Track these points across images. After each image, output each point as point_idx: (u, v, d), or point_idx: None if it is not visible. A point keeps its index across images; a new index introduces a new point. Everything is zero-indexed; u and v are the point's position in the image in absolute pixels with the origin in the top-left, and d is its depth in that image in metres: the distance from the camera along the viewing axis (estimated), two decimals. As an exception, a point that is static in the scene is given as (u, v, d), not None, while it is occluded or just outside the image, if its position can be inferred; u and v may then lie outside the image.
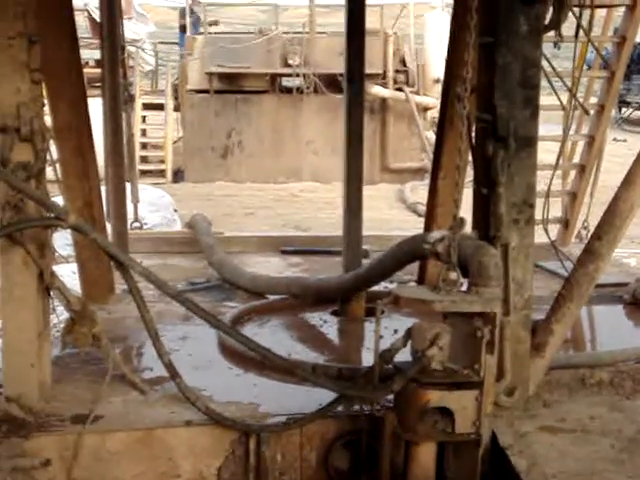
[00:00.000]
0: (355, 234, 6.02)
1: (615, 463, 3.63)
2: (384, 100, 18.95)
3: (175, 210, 12.55)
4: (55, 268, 4.21)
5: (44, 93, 4.49)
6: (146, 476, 4.03)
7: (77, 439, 3.89)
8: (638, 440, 3.84)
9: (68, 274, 5.91)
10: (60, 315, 4.54)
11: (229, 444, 4.10)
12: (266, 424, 4.07)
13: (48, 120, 4.85)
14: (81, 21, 20.08)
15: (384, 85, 18.76)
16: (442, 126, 6.43)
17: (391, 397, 4.11)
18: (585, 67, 8.14)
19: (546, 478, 3.52)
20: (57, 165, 4.94)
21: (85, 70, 7.59)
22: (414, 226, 9.83)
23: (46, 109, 4.69)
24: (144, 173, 17.84)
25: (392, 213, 15.98)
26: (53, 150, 4.54)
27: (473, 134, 4.29)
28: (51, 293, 4.19)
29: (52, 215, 3.88)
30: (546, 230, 5.56)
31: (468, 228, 4.14)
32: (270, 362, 4.12)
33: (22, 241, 3.94)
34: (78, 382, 4.48)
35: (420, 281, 6.68)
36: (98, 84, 9.25)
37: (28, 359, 4.03)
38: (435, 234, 4.13)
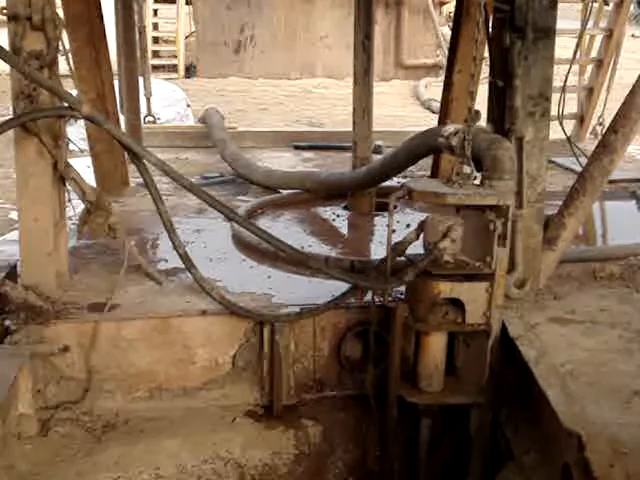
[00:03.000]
0: (364, 130, 5.99)
1: (623, 353, 3.69)
2: (399, -6, 18.59)
3: (188, 105, 12.47)
4: (70, 161, 4.21)
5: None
6: (162, 363, 4.12)
7: (94, 327, 3.97)
8: (647, 332, 3.90)
9: (83, 168, 5.92)
10: (76, 207, 4.58)
11: (243, 333, 4.18)
12: (280, 314, 4.13)
13: (60, 11, 4.77)
14: None
15: (399, -22, 18.38)
16: (458, 18, 6.33)
17: (402, 289, 4.18)
18: (605, -42, 7.92)
19: (555, 367, 3.57)
20: (69, 56, 4.90)
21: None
22: (428, 123, 9.77)
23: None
24: (156, 68, 17.71)
25: (406, 110, 15.87)
26: (66, 42, 4.52)
27: (490, 25, 4.22)
28: (66, 184, 4.21)
29: (66, 105, 3.87)
30: (562, 125, 5.53)
31: (483, 122, 4.12)
32: (284, 254, 4.15)
33: (36, 131, 3.94)
34: (94, 272, 4.55)
35: (433, 176, 6.69)
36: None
37: (45, 248, 4.07)
38: (449, 127, 4.11)
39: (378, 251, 4.96)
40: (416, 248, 4.00)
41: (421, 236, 4.01)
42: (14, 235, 4.64)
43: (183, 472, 3.92)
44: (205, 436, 4.02)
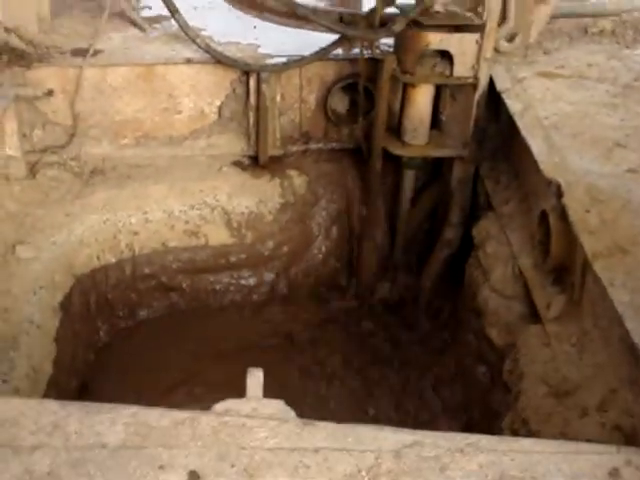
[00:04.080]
0: None
1: (608, 107, 3.69)
2: None
3: None
4: None
5: None
6: (148, 111, 4.11)
7: (79, 72, 3.91)
8: (633, 87, 3.87)
9: None
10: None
11: (229, 83, 4.14)
12: (266, 64, 4.07)
13: None
14: None
15: None
16: None
17: (391, 42, 4.10)
18: None
19: (539, 120, 3.58)
20: None
21: None
22: None
23: None
24: None
25: None
26: None
27: None
28: None
29: None
30: None
31: None
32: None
33: None
34: (77, 17, 4.41)
35: None
36: None
37: (25, -11, 3.95)
38: None
39: (369, 3, 4.81)
40: (408, -2, 3.91)
41: (413, -14, 3.90)
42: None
43: (171, 217, 4.02)
44: (192, 183, 4.09)
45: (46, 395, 3.14)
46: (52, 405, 2.11)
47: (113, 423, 2.05)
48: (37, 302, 3.30)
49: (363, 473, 2.00)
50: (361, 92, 4.09)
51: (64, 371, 3.44)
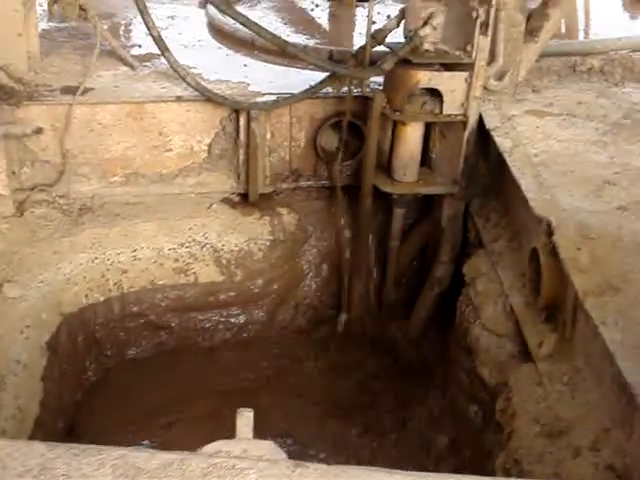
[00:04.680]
0: None
1: (598, 145, 3.70)
2: None
3: None
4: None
5: None
6: (137, 149, 4.10)
7: (68, 110, 3.91)
8: (622, 124, 3.90)
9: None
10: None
11: (219, 121, 4.14)
12: (256, 102, 4.08)
13: None
14: None
15: None
16: None
17: (381, 80, 4.13)
18: None
19: (529, 157, 3.59)
20: None
21: None
22: None
23: None
24: None
25: None
26: None
27: None
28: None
29: None
30: None
31: None
32: (261, 37, 4.04)
33: None
34: (66, 55, 4.43)
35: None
36: None
37: (14, 28, 3.93)
38: None
39: (358, 42, 4.84)
40: (397, 37, 3.93)
41: (402, 24, 3.93)
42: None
43: (160, 254, 4.00)
44: (181, 221, 4.07)
45: (32, 436, 3.10)
46: (39, 447, 2.07)
47: (101, 465, 2.01)
48: (24, 341, 3.27)
49: (355, 516, 1.96)
50: (345, 129, 4.10)
51: (51, 411, 3.39)
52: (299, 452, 3.58)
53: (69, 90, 4.00)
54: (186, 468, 2.01)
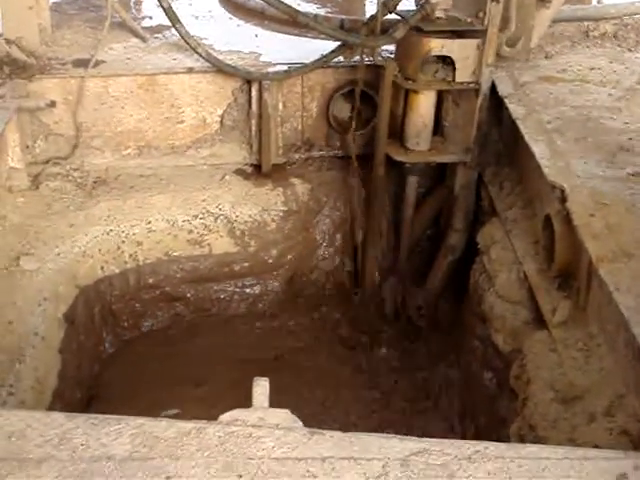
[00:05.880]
0: None
1: (611, 110, 3.68)
2: None
3: None
4: None
5: None
6: (150, 121, 4.11)
7: (80, 82, 3.92)
8: (636, 90, 3.87)
9: None
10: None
11: (231, 92, 4.14)
12: (268, 72, 4.08)
13: None
14: None
15: None
16: None
17: (392, 49, 4.11)
18: None
19: (542, 124, 3.58)
20: None
21: None
22: None
23: None
24: None
25: None
26: None
27: None
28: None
29: None
30: None
31: None
32: (271, 8, 4.03)
33: None
34: (78, 28, 4.43)
35: None
36: None
37: (25, 2, 3.94)
38: None
39: (370, 11, 4.82)
40: (408, 4, 3.91)
41: (414, -9, 3.91)
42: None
43: (174, 226, 4.02)
44: (195, 193, 4.08)
45: (51, 407, 3.14)
46: (58, 417, 2.10)
47: (119, 435, 2.04)
48: (41, 314, 3.29)
49: (371, 481, 1.99)
50: (357, 98, 4.09)
51: (69, 383, 3.43)
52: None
53: (81, 63, 4.01)
54: (203, 437, 2.04)
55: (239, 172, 4.24)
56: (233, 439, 2.03)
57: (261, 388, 2.22)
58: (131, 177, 4.08)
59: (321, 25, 4.01)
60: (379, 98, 4.02)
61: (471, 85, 3.89)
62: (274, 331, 4.25)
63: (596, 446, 2.34)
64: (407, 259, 4.38)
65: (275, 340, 4.19)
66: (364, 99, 4.15)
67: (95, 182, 3.99)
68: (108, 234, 3.85)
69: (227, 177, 4.17)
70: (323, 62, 4.07)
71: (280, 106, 4.18)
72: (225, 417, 2.12)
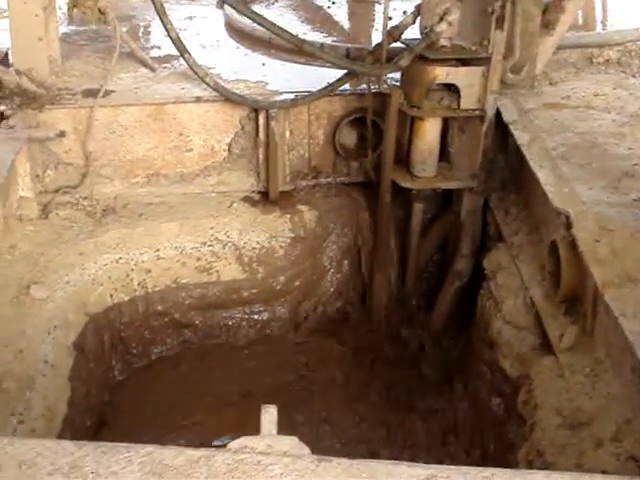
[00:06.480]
0: None
1: (616, 136, 3.71)
2: None
3: None
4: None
5: None
6: (159, 150, 4.16)
7: (90, 112, 3.97)
8: (640, 116, 3.91)
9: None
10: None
11: (239, 120, 4.18)
12: (274, 100, 4.12)
13: None
14: None
15: None
16: None
17: (398, 76, 4.15)
18: None
19: (547, 150, 3.61)
20: None
21: None
22: None
23: None
24: None
25: None
26: None
27: None
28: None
29: None
30: None
31: None
32: (278, 37, 4.07)
33: None
34: (87, 59, 4.49)
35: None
36: None
37: (35, 33, 4.00)
38: None
39: (375, 39, 4.87)
40: (414, 33, 3.95)
41: (418, 20, 3.95)
42: (4, 24, 4.53)
43: (182, 254, 4.04)
44: (203, 220, 4.11)
45: (61, 435, 3.15)
46: (69, 445, 2.11)
47: (129, 462, 2.05)
48: (51, 342, 3.31)
49: (379, 508, 1.99)
50: (369, 126, 4.13)
51: (79, 410, 3.44)
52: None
53: (90, 93, 4.06)
54: (212, 464, 2.05)
55: (247, 199, 4.27)
56: (242, 467, 2.04)
57: (269, 415, 2.23)
58: (140, 205, 4.11)
59: (327, 54, 4.06)
60: (385, 125, 4.06)
61: (476, 112, 3.92)
62: (282, 357, 4.26)
63: (604, 472, 2.34)
64: (414, 285, 4.40)
65: (283, 366, 4.20)
66: (370, 126, 4.19)
67: (104, 210, 4.02)
68: (117, 262, 3.88)
69: (235, 204, 4.20)
70: (329, 90, 4.12)
71: (287, 134, 4.22)
72: (234, 444, 2.13)
